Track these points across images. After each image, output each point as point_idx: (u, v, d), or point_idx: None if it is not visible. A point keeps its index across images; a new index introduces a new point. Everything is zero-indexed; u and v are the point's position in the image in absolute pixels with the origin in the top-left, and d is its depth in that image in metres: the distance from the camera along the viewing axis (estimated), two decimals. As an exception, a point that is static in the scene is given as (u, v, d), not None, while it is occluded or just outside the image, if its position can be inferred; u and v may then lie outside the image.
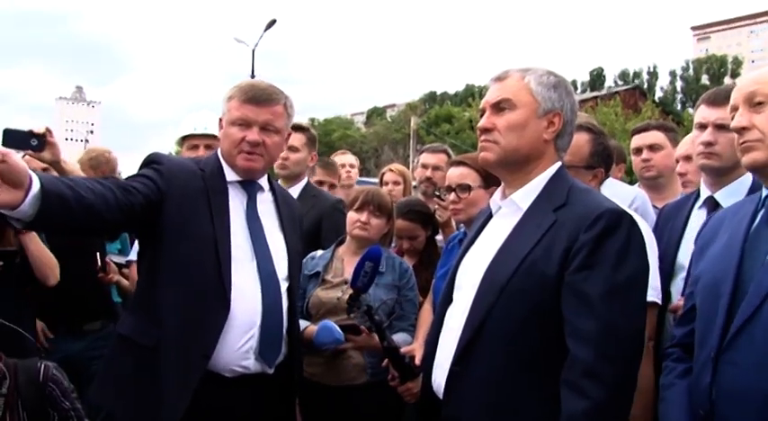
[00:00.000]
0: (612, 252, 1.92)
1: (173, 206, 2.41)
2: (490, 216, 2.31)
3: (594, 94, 50.78)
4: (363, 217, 3.28)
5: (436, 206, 3.83)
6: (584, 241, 1.93)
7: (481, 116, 2.20)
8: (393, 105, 77.37)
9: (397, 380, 2.89)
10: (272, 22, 28.35)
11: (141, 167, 2.51)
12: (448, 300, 2.28)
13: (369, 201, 3.30)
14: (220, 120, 2.64)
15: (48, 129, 2.73)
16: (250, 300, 2.48)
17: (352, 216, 3.32)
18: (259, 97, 2.53)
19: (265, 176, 2.73)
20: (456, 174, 3.15)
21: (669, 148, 3.86)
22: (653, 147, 3.90)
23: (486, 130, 2.15)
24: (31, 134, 2.63)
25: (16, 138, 2.56)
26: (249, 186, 2.65)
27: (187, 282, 2.41)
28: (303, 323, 3.14)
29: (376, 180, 5.69)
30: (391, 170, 4.97)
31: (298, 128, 4.14)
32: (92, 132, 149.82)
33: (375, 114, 74.09)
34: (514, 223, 2.12)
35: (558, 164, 2.18)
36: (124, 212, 2.22)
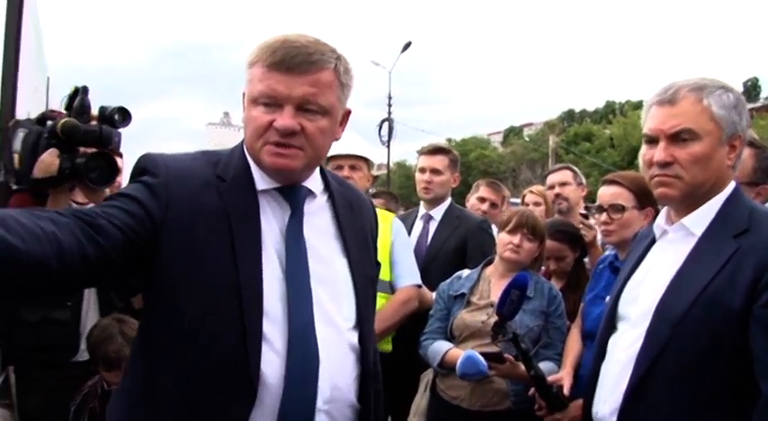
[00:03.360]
0: None
1: (175, 240, 1.61)
2: (653, 240, 2.16)
3: (749, 105, 47.46)
4: (516, 239, 3.20)
5: (580, 225, 3.74)
6: None
7: (647, 142, 2.01)
8: (530, 124, 76.36)
9: (544, 409, 2.79)
10: (408, 45, 29.14)
11: (131, 178, 1.74)
12: (610, 328, 2.16)
13: (523, 224, 3.22)
14: (243, 96, 1.77)
15: None
16: (276, 374, 1.64)
17: (503, 237, 3.25)
18: (293, 59, 1.64)
19: (316, 172, 1.86)
20: (608, 194, 3.04)
21: None
22: None
23: (665, 164, 1.94)
24: None
25: None
26: (292, 194, 1.78)
27: (196, 355, 1.61)
28: (446, 344, 3.15)
29: (518, 200, 5.65)
30: (532, 192, 4.99)
31: (440, 150, 4.23)
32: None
33: (512, 134, 73.40)
34: (686, 250, 1.96)
35: (733, 184, 2.00)
36: (89, 263, 1.45)
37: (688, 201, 1.98)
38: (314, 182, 1.84)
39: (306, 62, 1.65)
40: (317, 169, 1.87)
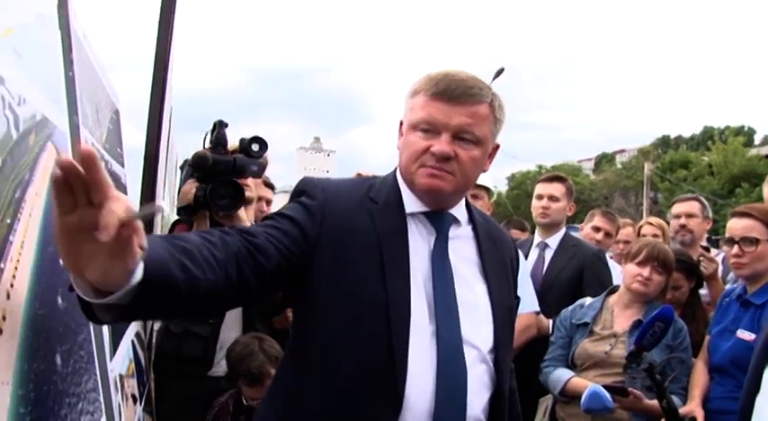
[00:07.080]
0: None
1: (328, 257, 1.74)
2: None
3: None
4: (646, 272, 3.19)
5: (701, 257, 3.70)
6: None
7: None
8: (623, 151, 74.43)
9: (673, 441, 2.78)
10: (501, 71, 29.04)
11: (291, 199, 1.90)
12: (764, 362, 2.17)
13: (653, 257, 3.21)
14: (400, 124, 1.90)
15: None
16: (423, 388, 1.70)
17: (632, 269, 3.24)
18: (454, 91, 1.76)
19: (462, 203, 1.97)
20: (740, 227, 2.99)
21: None
22: None
23: None
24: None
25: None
26: (438, 219, 1.88)
27: (344, 368, 1.71)
28: (567, 373, 3.18)
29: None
30: (650, 223, 4.94)
31: (557, 178, 4.34)
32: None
33: (604, 160, 71.80)
34: None
35: None
36: (249, 286, 1.59)
37: None
38: (459, 211, 1.93)
39: (465, 94, 1.76)
40: (463, 201, 1.97)
